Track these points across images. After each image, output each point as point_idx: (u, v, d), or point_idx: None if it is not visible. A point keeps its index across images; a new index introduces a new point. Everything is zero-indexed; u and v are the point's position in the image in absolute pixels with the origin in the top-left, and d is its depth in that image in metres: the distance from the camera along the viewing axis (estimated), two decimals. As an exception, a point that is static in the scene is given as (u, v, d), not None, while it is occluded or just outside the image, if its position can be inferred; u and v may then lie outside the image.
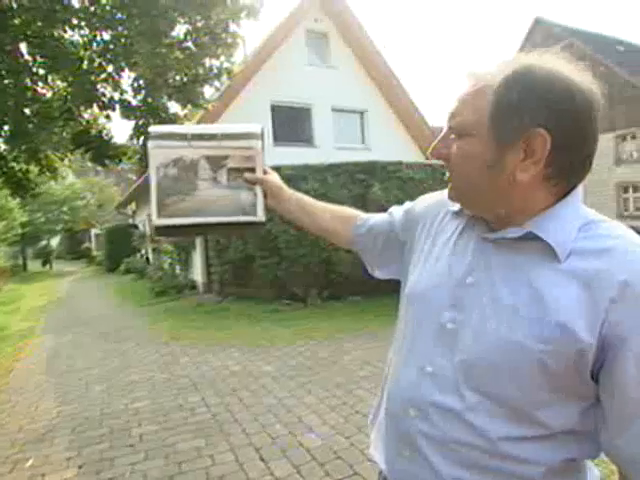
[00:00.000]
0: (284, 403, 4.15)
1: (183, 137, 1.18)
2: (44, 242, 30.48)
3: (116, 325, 8.80)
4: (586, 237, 0.78)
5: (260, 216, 1.21)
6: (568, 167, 0.80)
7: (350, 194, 8.70)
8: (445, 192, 1.00)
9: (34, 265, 30.10)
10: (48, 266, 29.11)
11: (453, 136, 0.86)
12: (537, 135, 0.76)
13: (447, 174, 0.90)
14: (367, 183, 8.81)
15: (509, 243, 0.83)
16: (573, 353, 0.73)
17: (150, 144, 1.18)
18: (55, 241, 35.30)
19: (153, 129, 1.20)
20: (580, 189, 0.84)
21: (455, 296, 0.88)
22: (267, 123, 12.88)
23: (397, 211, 1.21)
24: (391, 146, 13.61)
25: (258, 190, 1.21)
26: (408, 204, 1.19)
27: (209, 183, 1.19)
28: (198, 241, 11.46)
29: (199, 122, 11.12)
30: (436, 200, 1.09)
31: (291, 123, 13.44)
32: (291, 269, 8.68)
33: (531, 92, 0.76)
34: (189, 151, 1.18)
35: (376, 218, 1.24)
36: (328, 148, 13.20)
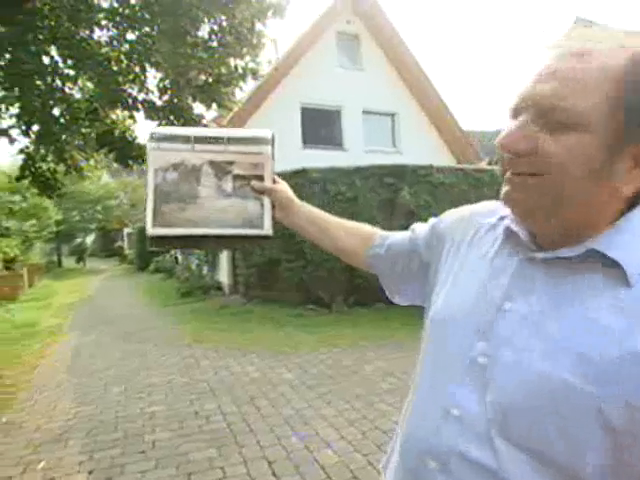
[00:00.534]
0: (302, 414, 4.01)
1: (186, 139, 1.08)
2: (79, 240, 31.25)
3: (140, 325, 8.83)
4: None
5: (267, 229, 1.10)
6: None
7: (378, 198, 8.53)
8: (476, 206, 0.86)
9: (68, 262, 30.85)
10: (82, 263, 29.78)
11: (536, 127, 0.65)
12: None
13: (507, 175, 0.69)
14: (396, 187, 8.60)
15: (562, 264, 0.67)
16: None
17: (149, 145, 1.08)
18: (90, 239, 36.17)
19: (155, 130, 1.10)
20: None
21: (490, 325, 0.71)
22: (297, 125, 12.83)
23: (420, 228, 1.04)
24: (422, 149, 13.36)
25: (266, 201, 1.10)
26: (433, 220, 1.02)
27: (212, 191, 1.08)
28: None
29: (229, 123, 11.14)
30: (465, 214, 0.92)
31: (320, 125, 13.34)
32: (316, 273, 8.55)
33: None
34: (192, 155, 1.08)
35: (396, 237, 1.09)
36: (358, 151, 13.04)
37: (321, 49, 13.13)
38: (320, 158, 10.49)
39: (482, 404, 0.67)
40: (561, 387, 0.59)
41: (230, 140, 1.09)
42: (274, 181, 1.12)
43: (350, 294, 8.64)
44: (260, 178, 1.09)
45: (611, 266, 0.62)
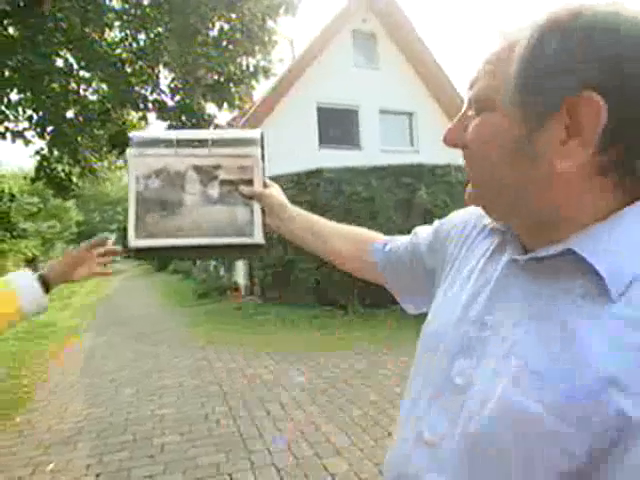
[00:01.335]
0: (313, 420, 3.92)
1: (168, 143, 1.01)
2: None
3: (156, 326, 8.86)
4: None
5: (257, 237, 1.04)
6: (638, 152, 0.51)
7: (395, 198, 8.40)
8: None
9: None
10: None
11: (472, 113, 0.60)
12: (584, 101, 0.49)
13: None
14: (413, 187, 8.46)
15: (543, 267, 0.57)
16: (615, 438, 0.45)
17: (129, 152, 1.02)
18: (110, 240, 36.77)
19: (134, 135, 1.04)
20: None
21: (469, 340, 0.61)
22: (313, 125, 12.77)
23: (423, 231, 0.94)
24: (440, 148, 12.88)
25: (256, 207, 1.04)
26: (437, 222, 0.92)
27: (197, 198, 1.02)
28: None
29: (244, 124, 11.14)
30: (472, 214, 0.82)
31: (337, 125, 13.25)
32: (332, 275, 8.46)
33: (577, 40, 0.49)
34: (175, 160, 1.01)
35: (397, 241, 0.99)
36: (374, 151, 12.93)
37: (337, 48, 13.04)
38: (336, 158, 10.42)
39: (453, 431, 0.58)
40: (525, 420, 0.50)
41: (215, 142, 1.03)
42: (265, 185, 1.05)
43: (366, 296, 8.53)
44: (249, 182, 1.03)
45: (591, 272, 0.51)
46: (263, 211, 1.04)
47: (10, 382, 5.49)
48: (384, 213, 8.15)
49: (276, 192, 1.06)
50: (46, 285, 1.04)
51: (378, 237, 1.04)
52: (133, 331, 8.43)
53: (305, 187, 9.12)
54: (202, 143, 1.02)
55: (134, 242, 1.02)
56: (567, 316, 0.51)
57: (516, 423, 0.51)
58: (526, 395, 0.50)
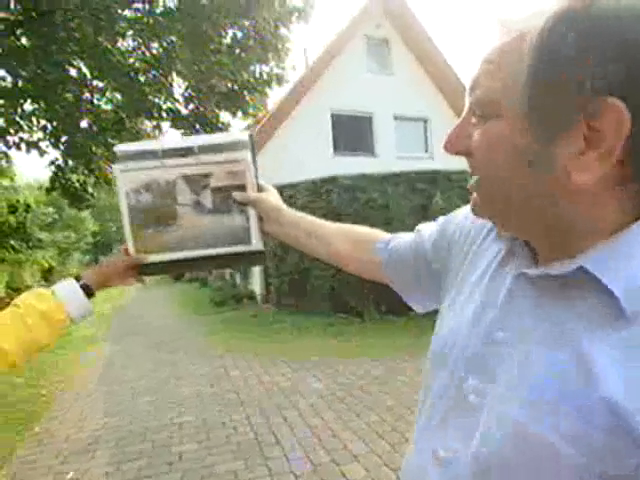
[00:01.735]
0: (330, 426, 3.88)
1: (154, 155, 0.98)
2: (115, 250, 32.22)
3: (173, 335, 8.89)
4: None
5: (256, 244, 1.01)
6: None
7: (410, 205, 8.36)
8: None
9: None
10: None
11: (475, 120, 0.55)
12: (606, 109, 0.44)
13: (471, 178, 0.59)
14: (428, 193, 8.42)
15: (555, 284, 0.52)
16: (632, 466, 0.42)
17: (115, 167, 0.99)
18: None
19: (119, 148, 1.01)
20: None
21: (482, 358, 0.58)
22: (327, 132, 12.79)
23: (427, 229, 0.87)
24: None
25: (251, 212, 1.00)
26: (442, 219, 0.85)
27: (191, 209, 0.99)
28: (257, 251, 11.45)
29: (259, 133, 11.19)
30: None
31: (351, 132, 13.25)
32: (347, 281, 8.42)
33: (598, 34, 0.43)
34: (163, 172, 0.98)
35: (400, 239, 0.93)
36: (389, 157, 12.89)
37: (350, 54, 13.06)
38: (351, 165, 10.41)
39: (466, 450, 0.55)
40: (537, 444, 0.47)
41: (202, 149, 0.99)
42: (259, 189, 1.01)
43: (382, 302, 8.48)
44: (242, 188, 0.99)
45: (605, 292, 0.47)
46: (260, 217, 1.01)
47: (29, 392, 5.52)
48: (399, 220, 8.10)
49: (271, 196, 1.02)
50: (88, 290, 1.06)
51: (380, 235, 0.99)
52: (151, 340, 8.46)
53: (320, 194, 9.12)
54: (189, 151, 0.99)
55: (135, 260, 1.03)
56: (580, 340, 0.48)
57: (530, 448, 0.48)
58: (541, 422, 0.47)
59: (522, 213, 0.54)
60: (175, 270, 1.06)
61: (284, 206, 1.02)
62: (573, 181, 0.47)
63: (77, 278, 1.07)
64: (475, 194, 0.58)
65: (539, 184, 0.50)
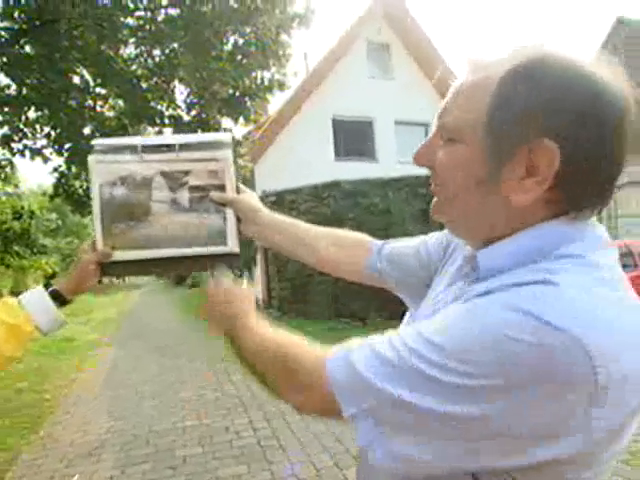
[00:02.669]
0: (333, 431, 3.90)
1: (133, 149, 0.95)
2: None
3: (175, 340, 8.92)
4: (525, 271, 0.56)
5: (232, 246, 0.98)
6: (580, 193, 0.58)
7: (412, 209, 8.39)
8: None
9: (111, 278, 31.68)
10: (122, 279, 30.54)
11: (440, 142, 0.66)
12: (542, 147, 0.55)
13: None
14: (430, 198, 8.31)
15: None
16: None
17: (91, 159, 0.96)
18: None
19: (98, 141, 0.99)
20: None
21: None
22: (328, 138, 12.84)
23: (433, 236, 0.93)
24: (457, 159, 13.11)
25: (229, 213, 0.98)
26: (442, 234, 0.92)
27: (166, 205, 0.96)
28: (259, 256, 11.48)
29: (260, 138, 11.24)
30: None
31: (352, 137, 13.31)
32: (350, 287, 8.44)
33: (540, 91, 0.56)
34: (141, 166, 0.95)
35: (397, 246, 0.97)
36: (390, 162, 12.93)
37: (351, 60, 13.14)
38: (352, 170, 10.46)
39: None
40: None
41: (183, 146, 0.96)
42: (238, 190, 1.00)
43: (384, 307, 8.49)
44: (220, 188, 0.97)
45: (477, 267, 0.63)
46: (237, 218, 0.99)
47: (33, 397, 5.55)
48: (401, 224, 8.14)
49: (249, 198, 1.02)
50: (61, 299, 1.01)
51: (370, 242, 1.02)
52: (154, 345, 8.50)
53: (322, 199, 9.17)
54: (169, 148, 0.96)
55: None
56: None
57: None
58: None
59: (469, 221, 0.65)
60: (142, 271, 1.00)
61: (263, 208, 1.02)
62: (513, 200, 0.58)
63: (47, 286, 1.02)
64: (435, 199, 0.68)
65: (486, 201, 0.61)
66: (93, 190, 0.96)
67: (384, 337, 0.60)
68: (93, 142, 0.99)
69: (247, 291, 0.91)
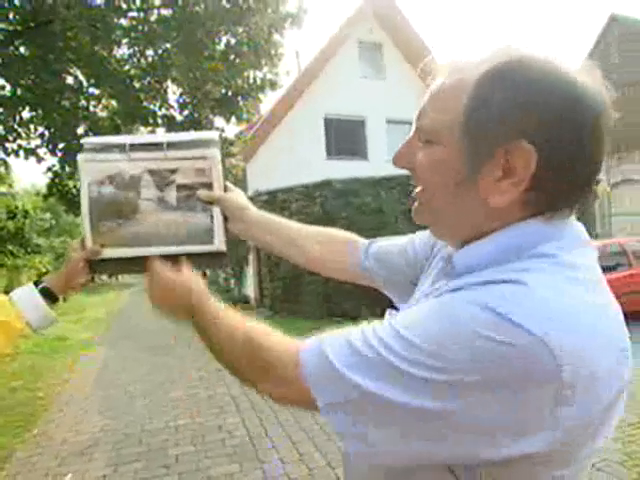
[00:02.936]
0: (325, 430, 3.95)
1: (121, 148, 0.97)
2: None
3: (167, 339, 8.89)
4: (498, 270, 0.57)
5: (218, 244, 0.98)
6: (557, 194, 0.59)
7: (404, 208, 8.43)
8: None
9: (102, 276, 31.46)
10: (114, 278, 30.38)
11: (419, 144, 0.67)
12: (518, 149, 0.56)
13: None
14: (421, 197, 8.49)
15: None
16: None
17: (80, 157, 0.97)
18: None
19: (86, 140, 1.00)
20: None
21: None
22: (320, 137, 12.87)
23: (419, 236, 0.94)
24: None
25: (216, 212, 0.98)
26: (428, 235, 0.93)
27: (153, 204, 0.96)
28: (251, 256, 11.50)
29: (252, 137, 11.24)
30: None
31: (344, 136, 13.35)
32: (341, 286, 8.49)
33: (517, 93, 0.56)
34: (129, 165, 0.96)
35: (384, 243, 0.99)
36: (382, 161, 12.97)
37: (343, 59, 13.18)
38: (344, 169, 10.50)
39: None
40: None
41: (171, 145, 0.97)
42: (225, 188, 1.00)
43: (376, 306, 8.53)
44: (208, 186, 0.97)
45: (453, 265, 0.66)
46: (225, 216, 0.99)
47: (26, 395, 5.55)
48: (393, 223, 8.19)
49: (237, 196, 1.02)
50: (52, 296, 1.02)
51: (357, 241, 1.04)
52: (145, 344, 8.49)
53: (313, 199, 9.20)
54: (157, 146, 0.97)
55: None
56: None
57: None
58: None
59: (448, 222, 0.66)
60: (130, 269, 1.00)
61: (251, 206, 1.03)
62: (490, 201, 0.59)
63: (37, 283, 1.03)
64: (416, 202, 0.69)
65: (464, 202, 0.62)
66: (82, 188, 0.97)
67: (358, 329, 0.60)
68: (82, 141, 1.00)
69: (194, 276, 0.89)
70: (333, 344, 0.60)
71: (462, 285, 0.57)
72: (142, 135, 0.90)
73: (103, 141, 0.99)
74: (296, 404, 0.65)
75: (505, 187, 0.58)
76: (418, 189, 0.68)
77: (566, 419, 0.49)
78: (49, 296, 1.02)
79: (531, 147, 0.55)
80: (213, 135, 1.00)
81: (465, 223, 0.64)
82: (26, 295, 1.01)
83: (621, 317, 0.57)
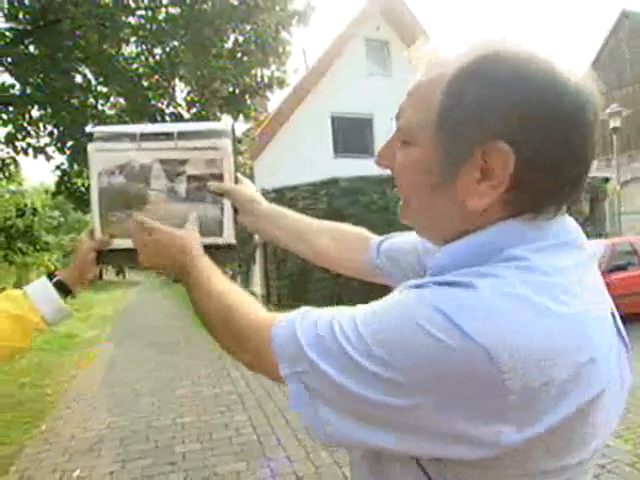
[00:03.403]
0: (331, 427, 3.95)
1: (131, 137, 0.95)
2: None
3: (174, 337, 8.96)
4: (460, 273, 0.55)
5: (227, 237, 0.96)
6: (541, 194, 0.56)
7: (411, 206, 8.42)
8: None
9: (109, 274, 31.71)
10: (121, 276, 30.58)
11: (399, 144, 0.64)
12: (495, 150, 0.53)
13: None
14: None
15: None
16: None
17: (90, 147, 0.95)
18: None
19: (97, 129, 0.98)
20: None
21: None
22: (327, 135, 12.85)
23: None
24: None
25: (226, 204, 0.96)
26: None
27: (164, 195, 0.94)
28: (258, 253, 11.52)
29: (259, 136, 11.25)
30: None
31: (351, 134, 13.33)
32: (348, 283, 8.50)
33: (492, 89, 0.53)
34: (139, 154, 0.94)
35: (396, 240, 0.96)
36: (389, 159, 12.97)
37: (350, 57, 13.15)
38: (351, 167, 10.48)
39: None
40: None
41: (182, 135, 0.95)
42: (236, 180, 0.98)
43: (382, 304, 8.54)
44: (218, 178, 0.95)
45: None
46: (235, 209, 0.97)
47: (35, 391, 5.60)
48: (400, 222, 8.17)
49: (248, 188, 1.00)
50: (65, 289, 1.02)
51: (367, 234, 1.02)
52: (152, 341, 8.55)
53: (320, 196, 9.20)
54: (168, 136, 0.95)
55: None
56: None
57: None
58: None
59: (429, 222, 0.65)
60: (138, 260, 0.98)
61: (262, 199, 1.01)
62: (469, 204, 0.56)
63: (50, 276, 1.02)
64: (400, 202, 0.68)
65: (442, 204, 0.60)
66: (92, 178, 0.95)
67: (328, 311, 0.60)
68: (93, 129, 0.98)
69: (193, 233, 0.88)
70: (303, 322, 0.60)
71: (421, 283, 0.55)
72: (153, 125, 0.89)
73: (113, 130, 0.98)
74: (266, 374, 0.65)
75: (484, 190, 0.55)
76: (399, 190, 0.66)
77: (511, 428, 0.47)
78: (63, 290, 1.01)
79: (509, 148, 0.52)
80: (225, 126, 0.98)
81: (444, 225, 0.62)
82: (40, 289, 1.00)
83: (603, 323, 0.54)
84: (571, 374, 0.48)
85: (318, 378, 0.55)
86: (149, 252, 0.88)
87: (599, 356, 0.50)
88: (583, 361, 0.48)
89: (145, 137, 0.95)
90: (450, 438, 0.49)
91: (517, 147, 0.52)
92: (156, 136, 0.96)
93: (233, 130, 0.99)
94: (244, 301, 0.72)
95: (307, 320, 0.60)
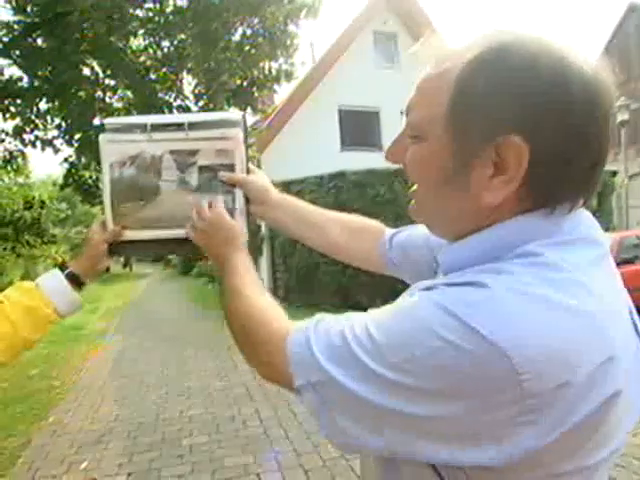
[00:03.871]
0: (338, 421, 3.95)
1: (142, 128, 0.94)
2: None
3: (182, 329, 9.00)
4: (471, 271, 0.54)
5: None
6: (555, 188, 0.54)
7: (419, 200, 8.39)
8: None
9: (116, 267, 31.86)
10: (128, 268, 30.72)
11: (409, 140, 0.62)
12: (509, 144, 0.51)
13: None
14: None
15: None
16: None
17: (102, 138, 0.95)
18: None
19: (108, 121, 0.98)
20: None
21: None
22: (335, 128, 12.81)
23: None
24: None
25: (238, 194, 0.95)
26: None
27: (174, 185, 0.94)
28: (265, 246, 11.52)
29: (267, 128, 11.22)
30: None
31: (359, 127, 13.28)
32: (357, 276, 8.48)
33: (503, 82, 0.51)
34: (150, 145, 0.94)
35: (409, 233, 0.94)
36: (397, 153, 12.92)
37: (358, 50, 13.07)
38: (358, 160, 10.43)
39: None
40: None
41: (192, 125, 0.94)
42: (248, 170, 0.97)
43: (392, 298, 8.49)
44: (230, 168, 0.94)
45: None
46: (247, 199, 0.96)
47: (43, 383, 5.64)
48: (407, 215, 8.13)
49: (260, 178, 0.99)
50: (77, 281, 1.01)
51: (380, 227, 1.01)
52: (160, 334, 8.58)
53: (328, 190, 9.18)
54: (179, 127, 0.94)
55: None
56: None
57: None
58: None
59: (443, 220, 0.63)
60: (150, 251, 1.01)
61: (273, 189, 1.00)
62: (483, 200, 0.55)
63: (62, 267, 1.01)
64: (412, 201, 0.66)
65: (455, 200, 0.58)
66: (103, 169, 0.95)
67: (341, 318, 0.60)
68: (104, 121, 0.98)
69: (241, 224, 0.91)
70: (317, 330, 0.60)
71: (431, 285, 0.54)
72: (164, 115, 0.88)
73: (124, 121, 0.98)
74: (280, 384, 0.64)
75: (497, 185, 0.54)
76: (413, 187, 0.65)
77: (533, 430, 0.46)
78: (74, 281, 1.00)
79: (522, 141, 0.51)
80: (236, 115, 0.97)
81: (457, 221, 0.60)
82: (53, 281, 0.99)
83: (620, 319, 0.52)
84: (590, 373, 0.46)
85: (333, 388, 0.55)
86: (206, 232, 0.89)
87: (618, 354, 0.49)
88: (602, 360, 0.47)
89: (156, 128, 0.95)
90: (469, 444, 0.48)
91: (530, 140, 0.51)
92: (167, 127, 0.95)
93: (244, 120, 0.97)
94: (267, 308, 0.73)
95: (320, 329, 0.60)
